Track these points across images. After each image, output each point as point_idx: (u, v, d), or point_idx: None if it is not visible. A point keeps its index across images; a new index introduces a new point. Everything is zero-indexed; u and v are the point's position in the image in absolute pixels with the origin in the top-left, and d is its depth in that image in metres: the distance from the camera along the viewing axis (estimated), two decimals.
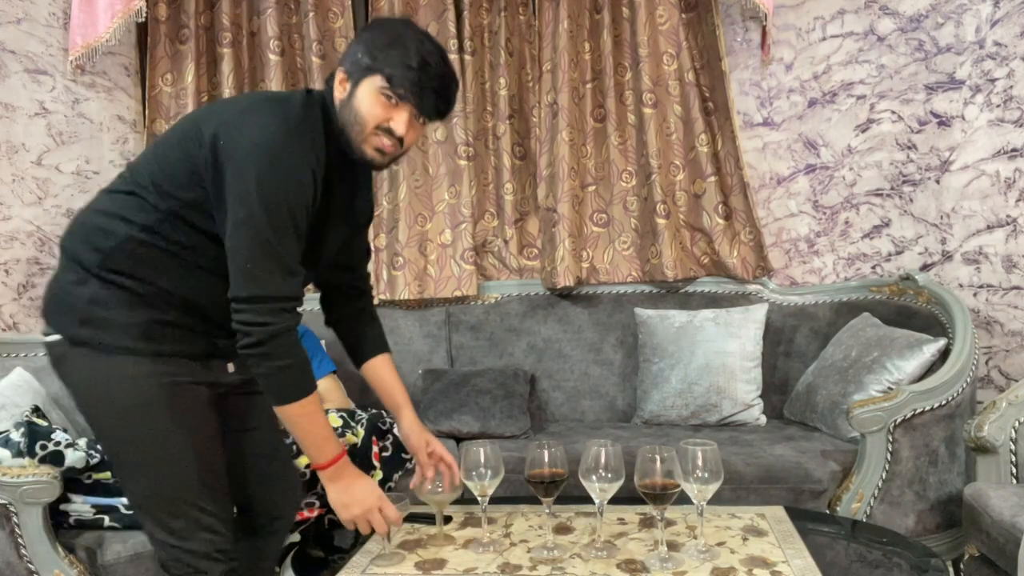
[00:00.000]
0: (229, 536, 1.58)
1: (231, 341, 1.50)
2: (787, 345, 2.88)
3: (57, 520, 1.94)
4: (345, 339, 1.84)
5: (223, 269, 1.47)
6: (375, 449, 2.24)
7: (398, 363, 2.93)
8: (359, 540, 1.72)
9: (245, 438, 1.70)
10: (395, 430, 2.39)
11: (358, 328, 1.83)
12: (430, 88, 1.49)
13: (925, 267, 2.82)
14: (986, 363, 2.71)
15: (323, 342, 2.75)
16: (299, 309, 1.51)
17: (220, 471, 1.59)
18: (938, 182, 2.79)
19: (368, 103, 1.49)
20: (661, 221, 2.98)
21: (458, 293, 3.02)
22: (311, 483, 2.05)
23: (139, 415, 1.51)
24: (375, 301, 2.09)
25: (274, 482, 1.76)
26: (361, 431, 2.19)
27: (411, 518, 1.76)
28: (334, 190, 1.57)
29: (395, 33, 1.50)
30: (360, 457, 2.15)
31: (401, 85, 1.47)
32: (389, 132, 1.50)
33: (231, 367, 1.64)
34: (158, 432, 1.51)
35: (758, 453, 2.34)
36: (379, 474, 2.21)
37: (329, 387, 2.55)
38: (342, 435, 2.16)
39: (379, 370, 1.81)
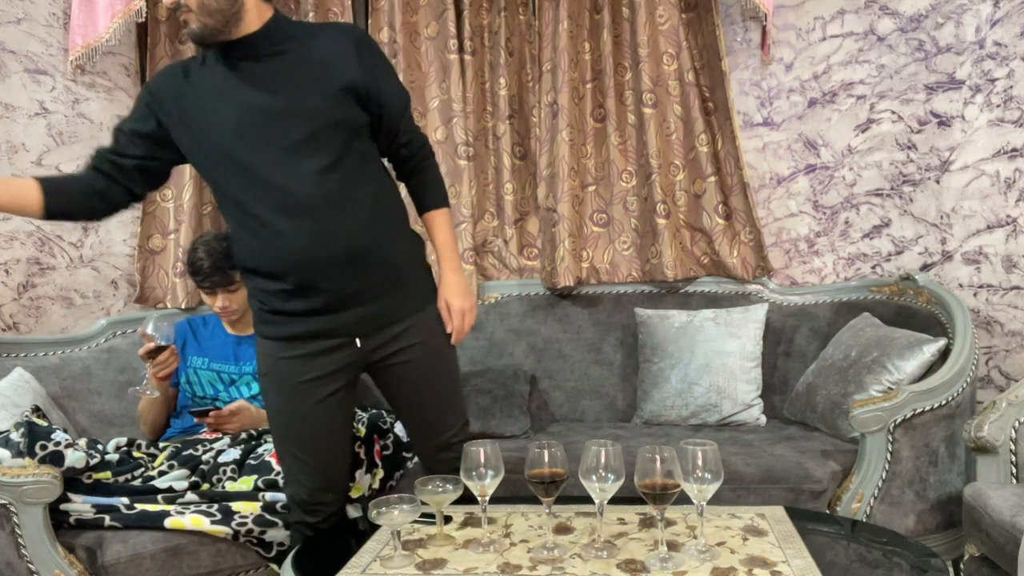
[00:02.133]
0: (307, 491, 1.87)
1: (314, 320, 1.78)
2: (787, 345, 2.88)
3: (57, 520, 1.94)
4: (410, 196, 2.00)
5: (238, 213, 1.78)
6: (376, 447, 2.24)
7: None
8: (361, 540, 1.72)
9: (404, 399, 1.95)
10: (396, 429, 2.39)
11: (409, 184, 1.96)
12: None
13: (925, 267, 2.82)
14: (986, 363, 2.71)
15: None
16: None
17: (303, 438, 1.85)
18: (938, 182, 2.79)
19: None
20: (661, 221, 2.98)
21: None
22: None
23: (261, 382, 1.90)
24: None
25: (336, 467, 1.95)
26: (363, 429, 2.20)
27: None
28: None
29: None
30: (366, 447, 2.15)
31: None
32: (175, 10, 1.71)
33: (358, 342, 1.83)
34: (267, 397, 1.88)
35: (758, 453, 2.34)
36: (381, 472, 2.21)
37: None
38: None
39: (428, 227, 1.96)
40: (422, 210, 1.95)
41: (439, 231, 1.93)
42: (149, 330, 2.22)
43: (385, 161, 1.92)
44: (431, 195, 1.94)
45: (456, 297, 1.90)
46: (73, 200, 1.78)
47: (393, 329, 1.84)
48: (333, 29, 1.84)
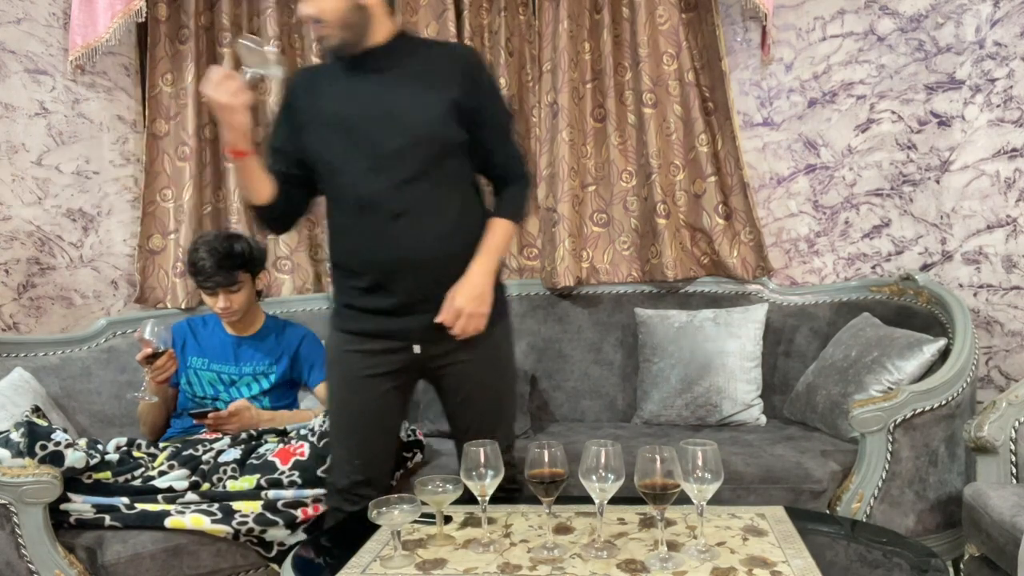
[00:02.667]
0: (349, 481, 1.93)
1: (397, 320, 1.86)
2: (787, 345, 2.88)
3: (57, 520, 1.94)
4: None
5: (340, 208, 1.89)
6: None
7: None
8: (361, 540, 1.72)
9: (456, 406, 2.00)
10: None
11: (495, 197, 2.00)
12: None
13: (925, 267, 2.82)
14: (986, 363, 2.71)
15: (323, 342, 2.75)
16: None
17: (354, 430, 1.94)
18: (938, 182, 2.79)
19: None
20: (661, 221, 2.98)
21: None
22: (312, 482, 2.05)
23: (327, 371, 2.02)
24: None
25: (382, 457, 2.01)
26: None
27: None
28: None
29: None
30: None
31: None
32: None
33: (416, 348, 1.90)
34: (330, 384, 2.01)
35: (758, 453, 2.34)
36: None
37: None
38: None
39: (486, 230, 1.92)
40: (492, 215, 1.95)
41: (492, 235, 1.90)
42: (146, 335, 2.22)
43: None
44: (505, 206, 1.95)
45: (463, 295, 1.83)
46: (280, 206, 1.91)
47: (452, 342, 1.87)
48: (449, 48, 2.10)
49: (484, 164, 1.95)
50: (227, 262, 2.35)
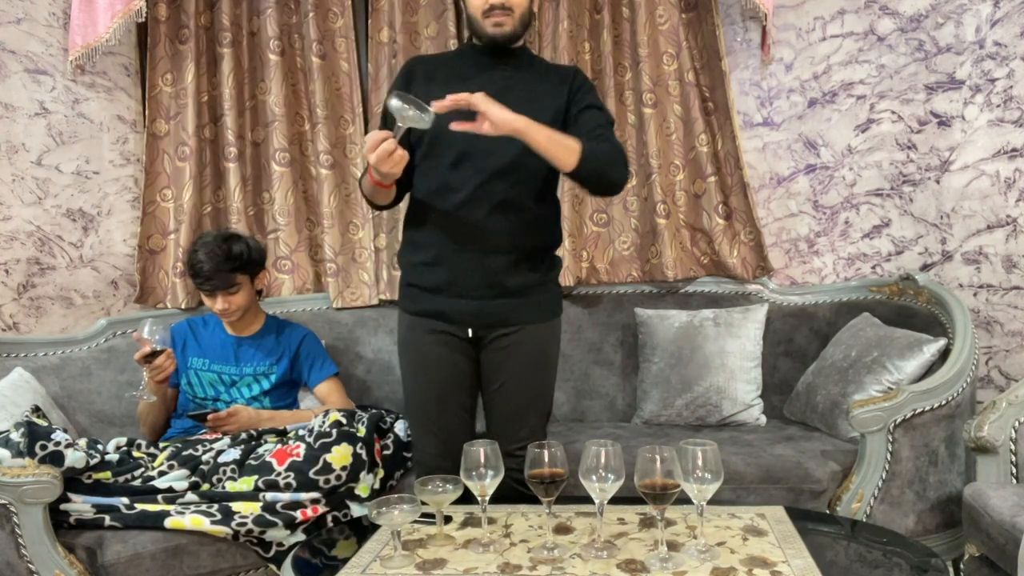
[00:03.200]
0: (430, 456, 2.04)
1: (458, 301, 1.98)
2: (787, 345, 2.88)
3: (57, 520, 1.94)
4: None
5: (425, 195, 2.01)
6: (377, 446, 2.24)
7: (398, 363, 2.95)
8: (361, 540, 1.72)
9: (493, 393, 2.07)
10: (396, 429, 2.40)
11: None
12: None
13: (925, 267, 2.82)
14: (986, 363, 2.71)
15: (323, 342, 2.75)
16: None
17: (428, 407, 2.04)
18: (938, 182, 2.79)
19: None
20: (661, 221, 2.98)
21: None
22: (307, 484, 2.04)
23: (398, 350, 2.13)
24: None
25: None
26: (363, 429, 2.20)
27: None
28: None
29: None
30: (367, 448, 2.15)
31: None
32: (495, 8, 1.89)
33: (468, 331, 2.01)
34: (401, 364, 2.12)
35: (758, 453, 2.34)
36: (381, 472, 2.21)
37: (331, 389, 2.56)
38: (349, 428, 2.17)
39: None
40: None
41: (554, 131, 1.86)
42: (144, 334, 2.22)
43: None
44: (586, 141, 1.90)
45: (496, 106, 1.75)
46: (397, 198, 2.05)
47: (500, 330, 2.01)
48: (558, 66, 2.24)
49: None
50: (225, 265, 2.36)
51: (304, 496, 2.03)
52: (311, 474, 2.04)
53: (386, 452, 2.27)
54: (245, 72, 2.99)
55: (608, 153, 1.91)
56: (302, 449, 2.08)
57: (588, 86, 2.05)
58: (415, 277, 2.04)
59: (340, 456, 2.07)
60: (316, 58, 2.97)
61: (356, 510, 2.09)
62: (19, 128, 2.71)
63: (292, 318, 2.79)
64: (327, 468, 2.05)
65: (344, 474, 2.06)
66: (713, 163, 3.02)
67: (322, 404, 2.54)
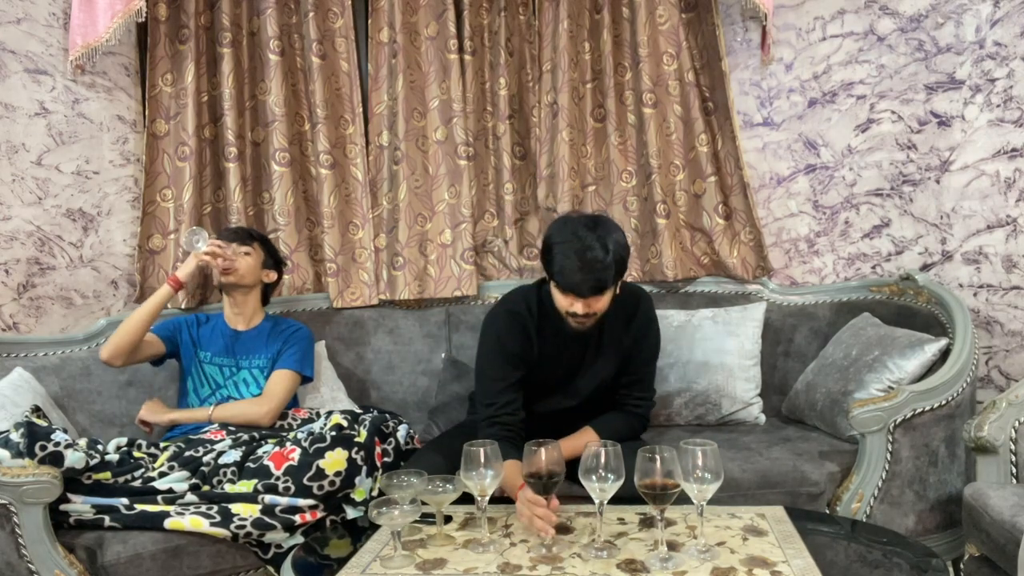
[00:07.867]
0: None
1: None
2: (787, 345, 2.88)
3: (57, 520, 1.94)
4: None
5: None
6: (377, 451, 2.23)
7: (398, 363, 2.96)
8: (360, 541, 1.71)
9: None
10: (397, 435, 2.35)
11: (606, 413, 2.24)
12: (582, 278, 1.92)
13: (925, 267, 2.82)
14: (986, 363, 2.71)
15: (323, 342, 2.75)
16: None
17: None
18: (938, 182, 2.79)
19: (555, 297, 2.03)
20: (661, 221, 2.98)
21: (458, 293, 3.02)
22: (301, 490, 2.03)
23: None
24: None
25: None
26: (364, 433, 2.19)
27: None
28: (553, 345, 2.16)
29: (548, 243, 1.99)
30: (365, 452, 2.14)
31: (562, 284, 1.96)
32: (573, 314, 1.99)
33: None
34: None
35: (754, 458, 2.31)
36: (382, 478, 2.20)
37: (280, 379, 2.50)
38: (350, 430, 2.16)
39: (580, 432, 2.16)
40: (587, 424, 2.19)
41: (581, 436, 2.12)
42: (197, 244, 2.46)
43: None
44: (602, 426, 2.16)
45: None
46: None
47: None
48: (629, 308, 2.23)
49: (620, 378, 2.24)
50: (246, 231, 2.64)
51: (302, 502, 2.03)
52: (305, 480, 2.03)
53: (387, 459, 2.24)
54: (245, 72, 2.99)
55: (622, 432, 2.13)
56: (297, 454, 2.08)
57: (653, 323, 2.24)
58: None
59: (334, 462, 2.06)
60: (316, 58, 2.98)
61: (351, 513, 2.08)
62: (19, 128, 2.71)
63: (292, 318, 2.79)
64: (320, 475, 2.03)
65: (338, 480, 2.05)
66: (713, 163, 3.02)
67: (278, 390, 2.48)
